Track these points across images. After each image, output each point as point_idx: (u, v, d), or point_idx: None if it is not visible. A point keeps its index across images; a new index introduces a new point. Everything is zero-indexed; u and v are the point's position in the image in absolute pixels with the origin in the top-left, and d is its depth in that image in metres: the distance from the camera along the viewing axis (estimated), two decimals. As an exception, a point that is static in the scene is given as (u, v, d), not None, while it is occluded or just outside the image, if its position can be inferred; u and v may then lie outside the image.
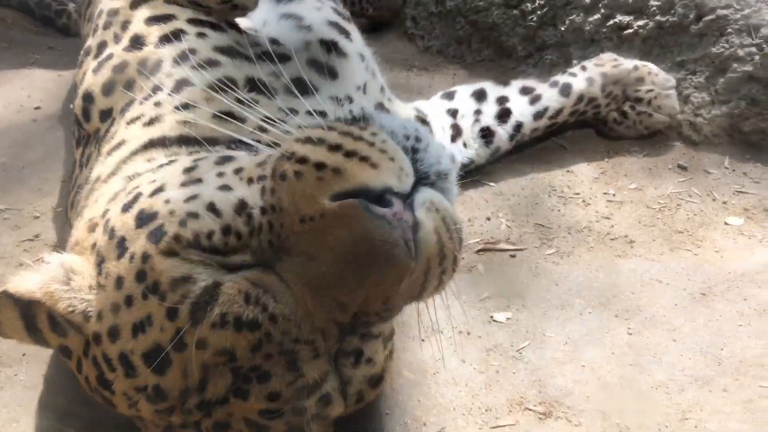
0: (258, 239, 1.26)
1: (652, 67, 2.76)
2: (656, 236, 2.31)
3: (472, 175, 2.57)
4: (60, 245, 2.13)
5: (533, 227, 2.37)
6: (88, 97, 1.79)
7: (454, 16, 3.52)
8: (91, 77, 1.80)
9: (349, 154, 1.25)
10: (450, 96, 2.70)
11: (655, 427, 1.68)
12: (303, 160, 1.26)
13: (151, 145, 1.63)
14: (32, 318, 1.39)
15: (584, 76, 2.72)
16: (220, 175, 1.37)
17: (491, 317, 2.00)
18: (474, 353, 1.89)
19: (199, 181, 1.37)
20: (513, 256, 2.24)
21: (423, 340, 1.90)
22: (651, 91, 2.72)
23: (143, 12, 1.84)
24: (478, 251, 2.26)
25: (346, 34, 2.16)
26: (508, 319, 1.99)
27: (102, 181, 1.63)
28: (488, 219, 2.40)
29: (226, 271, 1.25)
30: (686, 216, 2.40)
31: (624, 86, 2.74)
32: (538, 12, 3.19)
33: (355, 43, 2.20)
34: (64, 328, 1.37)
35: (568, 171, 2.66)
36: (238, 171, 1.37)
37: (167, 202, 1.32)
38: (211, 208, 1.28)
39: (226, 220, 1.27)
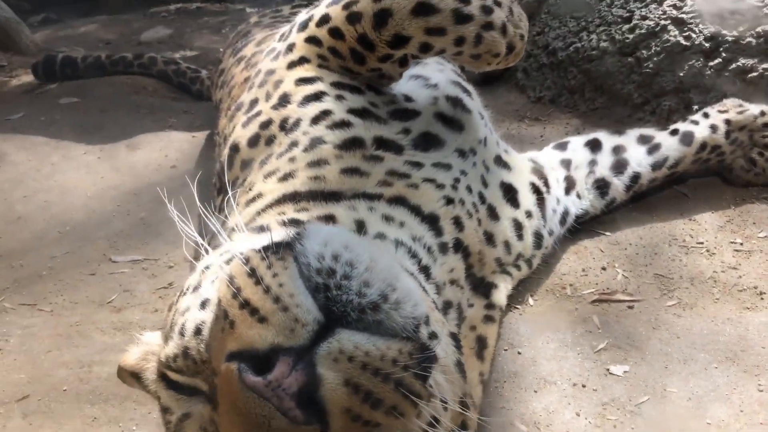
0: (207, 371, 1.28)
1: (780, 110, 2.63)
2: (790, 288, 2.16)
3: (587, 225, 2.52)
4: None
5: (652, 278, 2.28)
6: (235, 148, 1.96)
7: (566, 66, 3.52)
8: (240, 130, 1.98)
9: (243, 305, 1.16)
10: (563, 147, 2.68)
11: (792, 493, 1.55)
12: (219, 303, 1.22)
13: (284, 199, 1.75)
14: (140, 381, 1.60)
15: (707, 124, 2.62)
16: (213, 282, 1.42)
17: (608, 370, 1.93)
18: (589, 407, 1.83)
19: (197, 288, 1.44)
20: (630, 308, 2.16)
21: (536, 392, 1.87)
22: (780, 135, 2.58)
23: (296, 73, 1.99)
24: (593, 302, 2.20)
25: (467, 92, 2.23)
26: (625, 372, 1.92)
27: (237, 231, 1.75)
28: (603, 269, 2.34)
29: (200, 400, 1.33)
30: (823, 266, 2.23)
31: (751, 132, 2.62)
32: (654, 59, 3.13)
33: (476, 101, 2.27)
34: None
35: (690, 219, 2.55)
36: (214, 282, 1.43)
37: (175, 312, 1.45)
38: (181, 330, 1.36)
39: (186, 343, 1.33)
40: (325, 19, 1.97)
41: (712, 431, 1.73)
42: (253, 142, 1.93)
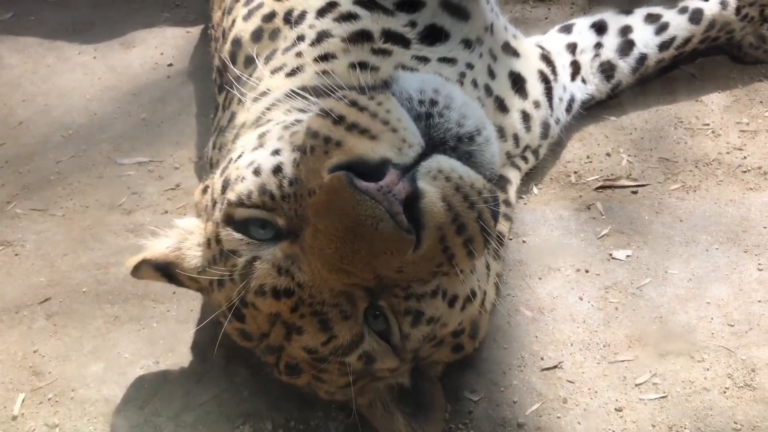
0: (288, 206, 1.35)
1: (794, -18, 2.53)
2: (794, 167, 2.17)
3: (593, 109, 2.50)
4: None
5: (657, 162, 2.29)
6: (237, 42, 1.92)
7: (572, -58, 3.36)
8: (242, 24, 1.92)
9: (351, 127, 1.27)
10: (568, 29, 2.60)
11: (786, 365, 1.63)
12: (314, 135, 1.31)
13: (293, 95, 1.72)
14: (170, 272, 1.64)
15: (717, 0, 2.54)
16: (280, 139, 1.48)
17: (610, 255, 1.98)
18: (592, 291, 1.89)
19: (261, 146, 1.51)
20: (634, 193, 2.18)
21: (540, 278, 1.92)
22: (793, 10, 2.50)
23: None
24: (597, 188, 2.22)
25: None
26: (628, 256, 1.97)
27: (247, 128, 1.78)
28: (608, 155, 2.34)
29: (269, 245, 1.37)
30: (829, 144, 2.23)
31: (762, 7, 2.53)
32: (665, -70, 2.98)
33: None
34: (193, 278, 1.61)
35: (697, 101, 2.52)
36: (294, 134, 1.46)
37: (237, 168, 1.49)
38: (256, 170, 1.42)
39: (263, 180, 1.39)
40: None
41: (711, 310, 1.80)
42: (257, 36, 1.88)
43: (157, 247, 1.64)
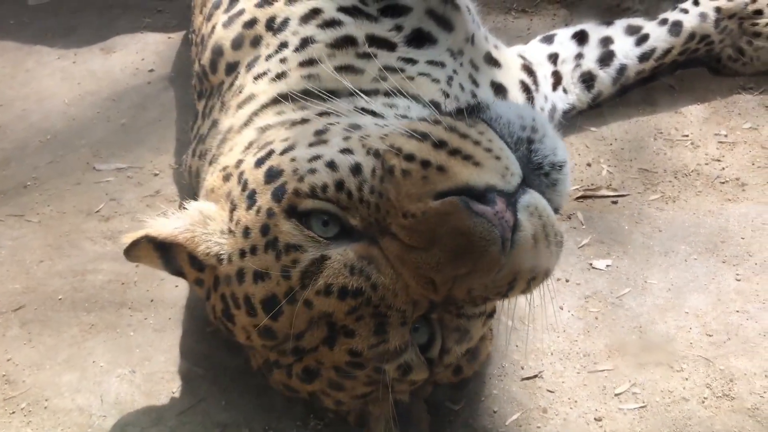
0: (366, 211, 1.34)
1: (771, -4, 2.57)
2: (771, 179, 2.20)
3: (573, 119, 2.51)
4: (181, 199, 2.31)
5: (637, 172, 2.30)
6: (218, 50, 1.89)
7: (554, -47, 3.38)
8: (222, 31, 1.90)
9: (454, 152, 1.30)
10: (550, 40, 2.63)
11: (762, 374, 1.64)
12: (409, 158, 1.31)
13: (280, 99, 1.73)
14: (172, 256, 1.56)
15: (697, 12, 2.56)
16: (346, 139, 1.46)
17: (590, 264, 1.99)
18: (572, 300, 1.89)
19: (324, 142, 1.47)
20: (614, 203, 2.19)
21: (521, 287, 1.92)
22: (770, 23, 2.53)
23: None
24: (578, 198, 2.23)
25: None
26: (608, 266, 1.97)
27: (235, 132, 1.75)
28: (589, 165, 2.35)
29: (336, 244, 1.34)
30: (806, 157, 2.26)
31: (741, 20, 2.57)
32: (645, -57, 3.01)
33: None
34: (202, 264, 1.52)
35: (676, 112, 2.54)
36: (362, 138, 1.45)
37: (293, 160, 1.44)
38: (330, 164, 1.39)
39: (341, 176, 1.37)
40: None
41: (690, 320, 1.81)
42: (238, 43, 1.87)
43: (163, 226, 1.55)
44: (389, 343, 1.36)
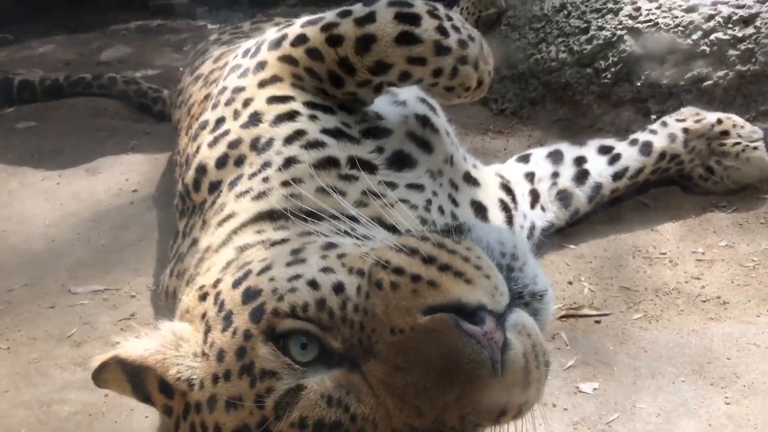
0: (349, 332, 1.29)
1: (736, 119, 2.67)
2: (751, 296, 2.19)
3: (552, 237, 2.53)
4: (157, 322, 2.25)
5: (618, 290, 2.29)
6: (202, 169, 1.90)
7: (527, 78, 3.55)
8: (207, 151, 1.92)
9: (444, 268, 1.27)
10: (526, 159, 2.70)
11: (761, 508, 1.56)
12: (399, 271, 1.29)
13: (260, 217, 1.72)
14: (141, 381, 1.46)
15: (665, 133, 2.66)
16: (324, 257, 1.43)
17: (577, 388, 1.93)
18: (560, 427, 1.82)
19: (303, 261, 1.44)
20: (598, 322, 2.17)
21: (506, 413, 1.85)
22: (737, 144, 2.62)
23: (268, 91, 1.95)
24: (561, 317, 2.21)
25: (433, 110, 2.23)
26: (595, 389, 1.92)
27: (213, 251, 1.73)
28: (570, 283, 2.35)
29: (314, 371, 1.28)
30: (784, 274, 2.27)
31: (708, 141, 2.66)
32: (612, 69, 3.17)
33: (441, 118, 2.27)
34: (172, 390, 1.43)
35: (652, 230, 2.58)
36: (341, 256, 1.43)
37: (272, 280, 1.40)
38: (311, 283, 1.35)
39: (322, 295, 1.32)
40: (302, 39, 1.95)
41: (680, 446, 1.74)
42: (222, 162, 1.89)
43: (134, 347, 1.45)
44: None
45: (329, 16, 1.98)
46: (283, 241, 1.62)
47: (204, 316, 1.47)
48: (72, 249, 2.87)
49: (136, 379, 1.46)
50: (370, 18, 1.89)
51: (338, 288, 1.33)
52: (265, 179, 1.80)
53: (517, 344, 1.23)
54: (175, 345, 1.45)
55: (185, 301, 1.61)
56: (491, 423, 1.32)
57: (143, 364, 1.43)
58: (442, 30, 1.90)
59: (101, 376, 1.47)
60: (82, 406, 2.04)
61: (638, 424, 1.81)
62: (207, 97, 2.47)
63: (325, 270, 1.38)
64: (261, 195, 1.77)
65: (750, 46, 2.81)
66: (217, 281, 1.54)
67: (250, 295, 1.40)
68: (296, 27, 2.01)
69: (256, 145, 1.86)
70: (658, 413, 1.83)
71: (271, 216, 1.73)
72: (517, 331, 1.24)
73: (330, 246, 1.49)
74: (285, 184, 1.77)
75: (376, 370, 1.24)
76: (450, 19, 1.96)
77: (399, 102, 2.16)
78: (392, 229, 1.72)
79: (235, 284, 1.46)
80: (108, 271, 2.70)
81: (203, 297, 1.53)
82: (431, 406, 1.22)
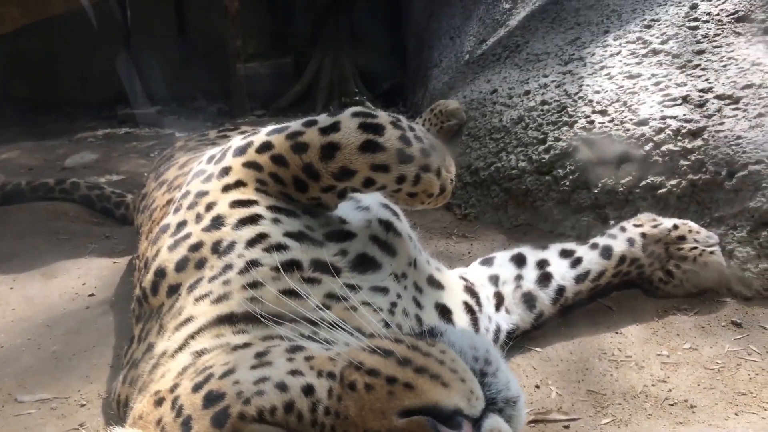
0: None
1: (692, 224, 2.76)
2: (718, 399, 2.17)
3: (518, 341, 2.51)
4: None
5: (585, 394, 2.26)
6: (161, 273, 1.87)
7: (489, 184, 3.64)
8: (166, 253, 1.89)
9: (419, 371, 1.27)
10: (489, 262, 2.72)
11: None
12: (373, 373, 1.28)
13: (219, 321, 1.68)
14: None
15: (624, 237, 2.72)
16: (290, 360, 1.41)
17: (547, 498, 1.86)
18: None
19: (269, 364, 1.41)
20: (567, 427, 2.12)
21: None
22: (695, 248, 2.69)
23: (231, 195, 1.96)
24: (530, 422, 2.15)
25: (396, 215, 2.26)
26: (566, 499, 1.85)
27: (168, 356, 1.67)
28: (537, 387, 2.31)
29: None
30: (748, 376, 2.26)
31: (666, 245, 2.72)
32: (570, 177, 3.28)
33: (404, 223, 2.30)
34: None
35: (617, 333, 2.58)
36: (308, 359, 1.40)
37: (236, 383, 1.36)
38: (279, 386, 1.31)
39: (291, 397, 1.29)
40: (267, 146, 1.99)
41: None
42: (181, 266, 1.86)
43: None
44: None
45: (294, 125, 2.03)
46: (246, 345, 1.58)
47: (159, 422, 1.41)
48: (21, 355, 2.74)
49: None
50: (334, 127, 1.96)
51: (308, 390, 1.30)
52: (226, 282, 1.77)
53: None
54: None
55: (138, 407, 1.54)
56: None
57: None
58: (404, 139, 1.96)
59: None
60: None
61: None
62: (169, 201, 2.47)
63: (293, 372, 1.36)
64: (221, 298, 1.74)
65: (699, 156, 2.94)
66: (175, 386, 1.48)
67: (212, 398, 1.35)
68: (262, 135, 2.06)
69: (217, 249, 1.85)
70: None
71: (230, 320, 1.70)
72: None
73: (296, 349, 1.47)
74: (246, 287, 1.75)
75: None
76: (412, 129, 2.04)
77: (362, 207, 2.19)
78: (357, 332, 1.70)
79: (195, 388, 1.41)
80: (58, 378, 2.57)
81: (159, 402, 1.47)
82: None
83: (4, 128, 7.14)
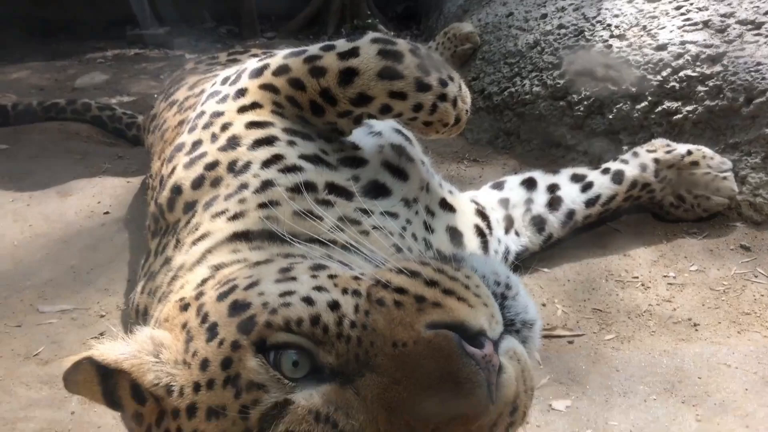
0: (345, 347, 1.28)
1: (706, 150, 2.74)
2: (722, 319, 2.22)
3: (526, 261, 2.55)
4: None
5: (591, 312, 2.31)
6: (177, 190, 1.90)
7: (502, 109, 3.61)
8: (182, 171, 1.91)
9: (447, 292, 1.30)
10: (500, 186, 2.73)
11: None
12: (402, 291, 1.31)
13: (236, 237, 1.71)
14: (112, 384, 1.41)
15: (636, 162, 2.71)
16: (315, 277, 1.43)
17: (550, 405, 1.93)
18: (534, 444, 1.82)
19: (293, 279, 1.43)
20: (571, 343, 2.18)
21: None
22: (707, 174, 2.68)
23: (247, 117, 1.96)
24: (535, 338, 2.21)
25: (409, 140, 2.26)
26: (567, 407, 1.92)
27: (187, 269, 1.71)
28: (543, 305, 2.36)
29: (302, 388, 1.26)
30: (753, 297, 2.30)
31: (679, 170, 2.72)
32: (585, 102, 3.24)
33: (416, 148, 2.30)
34: (145, 397, 1.39)
35: (625, 255, 2.61)
36: (332, 277, 1.43)
37: (261, 294, 1.38)
38: (305, 299, 1.34)
39: (318, 311, 1.31)
40: (284, 69, 1.98)
41: (653, 463, 1.74)
42: (198, 183, 1.88)
43: (109, 350, 1.39)
44: None
45: (312, 49, 2.02)
46: (267, 261, 1.62)
47: (185, 325, 1.45)
48: (40, 269, 2.81)
49: (107, 382, 1.41)
50: (353, 53, 1.94)
51: (334, 306, 1.33)
52: (242, 200, 1.79)
53: (510, 368, 1.25)
54: (153, 351, 1.41)
55: (164, 310, 1.58)
56: None
57: (118, 368, 1.39)
58: (423, 68, 1.96)
59: (72, 377, 1.41)
60: (47, 424, 1.98)
61: (612, 441, 1.81)
62: (181, 122, 2.48)
63: (318, 288, 1.38)
64: (237, 216, 1.77)
65: (718, 82, 2.89)
66: (200, 293, 1.52)
67: (237, 308, 1.38)
68: (278, 58, 2.04)
69: (233, 168, 1.86)
70: (630, 430, 1.83)
71: (246, 236, 1.72)
72: (509, 357, 1.27)
73: (319, 267, 1.50)
74: (261, 206, 1.77)
75: (372, 384, 1.23)
76: (431, 58, 2.02)
77: (375, 132, 2.19)
78: (372, 254, 1.73)
79: (220, 297, 1.44)
80: (77, 291, 2.65)
81: (184, 307, 1.50)
82: (424, 425, 1.21)
83: (13, 48, 7.08)
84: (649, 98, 3.06)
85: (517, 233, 2.57)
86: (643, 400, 1.93)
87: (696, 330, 2.19)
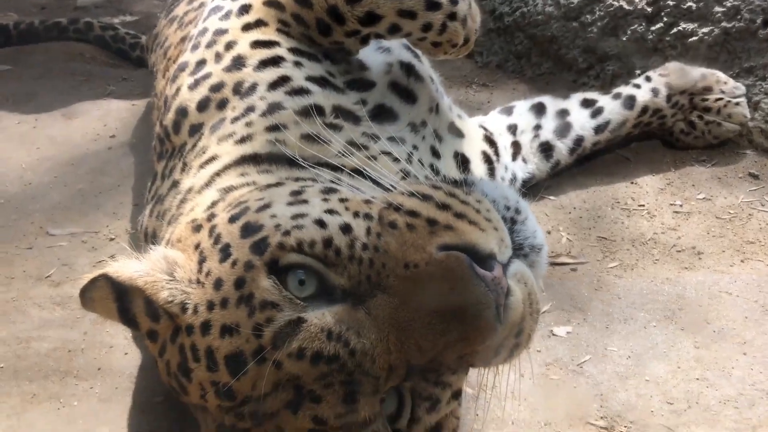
0: (357, 268, 1.30)
1: (719, 74, 2.68)
2: (726, 247, 2.23)
3: (533, 189, 2.55)
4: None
5: (595, 240, 2.32)
6: (182, 112, 1.87)
7: (513, 31, 3.52)
8: (187, 93, 1.88)
9: (459, 216, 1.31)
10: (509, 111, 2.69)
11: (724, 444, 1.61)
12: (414, 214, 1.32)
13: (244, 160, 1.71)
14: (127, 301, 1.44)
15: (649, 87, 2.66)
16: (326, 200, 1.44)
17: (551, 331, 1.97)
18: (533, 367, 1.86)
19: (305, 202, 1.44)
20: (574, 270, 2.20)
21: (481, 355, 1.89)
22: (720, 99, 2.63)
23: (252, 35, 1.91)
24: (538, 265, 2.23)
25: (417, 57, 2.21)
26: (568, 333, 1.96)
27: (196, 192, 1.72)
28: (548, 233, 2.37)
29: (313, 307, 1.29)
30: (758, 226, 2.30)
31: (691, 96, 2.67)
32: (599, 23, 3.15)
33: (425, 64, 2.25)
34: (159, 314, 1.42)
35: (632, 183, 2.60)
36: (343, 201, 1.44)
37: (274, 216, 1.40)
38: (318, 222, 1.36)
39: (330, 234, 1.33)
40: None
41: (650, 387, 1.79)
42: (203, 106, 1.85)
43: (124, 268, 1.43)
44: (358, 413, 1.29)
45: None
46: (278, 183, 1.62)
47: (198, 246, 1.47)
48: (49, 192, 2.83)
49: (123, 300, 1.44)
50: None
51: (346, 228, 1.35)
52: (249, 123, 1.78)
53: (517, 291, 1.27)
54: (167, 270, 1.44)
55: (176, 231, 1.60)
56: (483, 365, 1.38)
57: (132, 285, 1.42)
58: None
59: (88, 294, 1.45)
60: (60, 343, 2.04)
61: (609, 365, 1.86)
62: (183, 39, 2.42)
63: (330, 212, 1.40)
64: (244, 139, 1.76)
65: (736, 3, 2.80)
66: (212, 215, 1.53)
67: (250, 229, 1.40)
68: None
69: (239, 90, 1.83)
70: (628, 356, 1.87)
71: (255, 159, 1.72)
72: (516, 280, 1.29)
73: (330, 191, 1.50)
74: (269, 129, 1.75)
75: (384, 304, 1.26)
76: None
77: (383, 48, 2.14)
78: (377, 184, 1.72)
79: (232, 219, 1.46)
80: (86, 214, 2.67)
81: (197, 228, 1.52)
82: (433, 344, 1.25)
83: (13, -36, 6.89)
84: (665, 19, 2.96)
85: (524, 160, 2.55)
86: (643, 326, 1.96)
87: (699, 258, 2.20)
